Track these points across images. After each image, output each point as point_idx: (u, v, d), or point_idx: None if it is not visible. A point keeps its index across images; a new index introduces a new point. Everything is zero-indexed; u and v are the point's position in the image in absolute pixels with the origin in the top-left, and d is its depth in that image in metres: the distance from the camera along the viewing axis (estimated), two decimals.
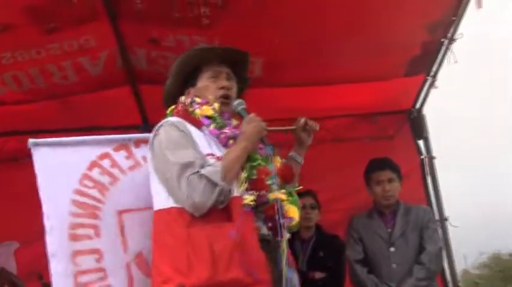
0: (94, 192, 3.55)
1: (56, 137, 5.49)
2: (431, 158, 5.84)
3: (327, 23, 4.40)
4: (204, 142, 3.09)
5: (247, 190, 2.97)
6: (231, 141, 3.09)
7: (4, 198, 5.46)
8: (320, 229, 5.20)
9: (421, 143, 5.97)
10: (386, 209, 4.89)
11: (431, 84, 5.46)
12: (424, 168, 5.90)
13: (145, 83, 5.17)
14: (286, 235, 2.97)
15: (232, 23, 4.40)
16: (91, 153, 3.57)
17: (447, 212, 5.63)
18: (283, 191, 3.08)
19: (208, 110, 3.20)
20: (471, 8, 4.36)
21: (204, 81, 3.31)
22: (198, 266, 2.81)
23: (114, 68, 4.97)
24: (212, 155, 3.01)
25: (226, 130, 3.14)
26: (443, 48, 4.86)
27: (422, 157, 5.94)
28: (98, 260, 3.48)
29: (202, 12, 4.26)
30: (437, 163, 5.87)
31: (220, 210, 2.92)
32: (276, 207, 2.96)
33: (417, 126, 5.94)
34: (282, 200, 3.02)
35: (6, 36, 4.33)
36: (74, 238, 3.48)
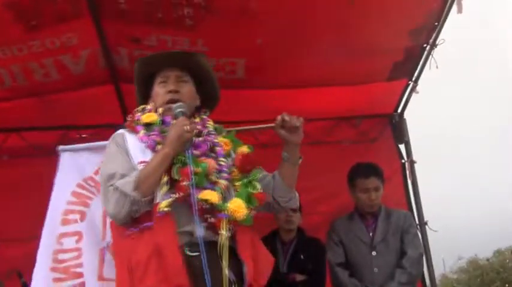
0: (93, 189, 4.36)
1: (36, 134, 5.58)
2: (412, 162, 5.87)
3: (310, 25, 4.42)
4: (138, 150, 3.09)
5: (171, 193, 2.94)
6: (158, 147, 3.06)
7: None
8: (302, 231, 5.20)
9: (402, 147, 6.00)
10: (368, 213, 4.91)
11: (413, 89, 5.49)
12: (405, 172, 5.93)
13: (127, 81, 5.14)
14: (223, 233, 2.90)
15: (215, 24, 4.40)
16: (99, 160, 3.92)
17: (426, 216, 5.65)
18: (222, 184, 3.04)
19: (149, 117, 3.20)
20: (452, 12, 4.40)
21: (155, 88, 3.31)
22: (120, 277, 2.95)
23: (97, 66, 4.94)
24: (145, 162, 3.02)
25: (153, 135, 3.12)
26: (425, 53, 4.89)
27: (403, 161, 5.97)
28: (77, 241, 4.20)
29: (186, 13, 4.26)
30: (417, 167, 5.90)
31: (147, 217, 2.92)
32: (194, 208, 2.87)
33: (399, 131, 5.97)
34: (207, 200, 2.93)
35: None
36: (64, 222, 4.26)
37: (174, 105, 3.15)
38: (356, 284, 4.71)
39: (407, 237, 4.82)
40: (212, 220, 2.92)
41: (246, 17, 4.33)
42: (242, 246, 2.98)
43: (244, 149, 3.27)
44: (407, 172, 5.89)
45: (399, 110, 5.95)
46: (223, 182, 3.05)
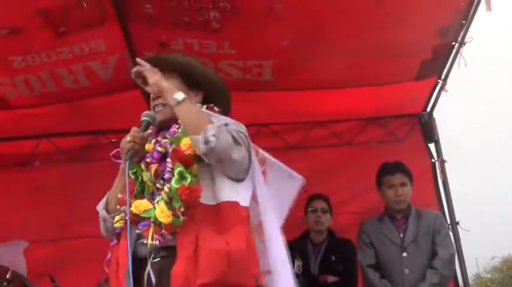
0: None
1: (66, 139, 5.65)
2: (442, 162, 5.82)
3: (337, 26, 4.39)
4: None
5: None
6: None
7: (12, 199, 5.51)
8: (332, 233, 5.19)
9: (432, 146, 5.95)
10: (397, 214, 4.88)
11: (442, 88, 5.44)
12: (435, 171, 5.88)
13: None
14: (149, 242, 2.85)
15: (241, 27, 4.40)
16: None
17: (458, 216, 5.60)
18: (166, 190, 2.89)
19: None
20: (481, 10, 4.36)
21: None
22: None
23: (124, 71, 4.97)
24: None
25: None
26: (454, 51, 4.84)
27: (433, 160, 5.92)
28: None
29: (212, 16, 4.26)
30: (448, 166, 5.84)
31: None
32: (127, 221, 2.84)
33: (428, 130, 5.92)
34: (132, 211, 2.88)
35: (17, 40, 4.35)
36: None
37: (144, 112, 3.08)
38: (387, 286, 4.68)
39: (438, 237, 4.78)
40: (138, 230, 2.88)
41: (272, 18, 4.32)
42: (180, 247, 2.80)
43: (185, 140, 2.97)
44: (438, 172, 5.84)
45: (428, 109, 5.91)
46: (166, 188, 2.89)
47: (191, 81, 3.14)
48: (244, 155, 2.87)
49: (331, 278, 4.89)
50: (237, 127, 2.92)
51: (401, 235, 4.81)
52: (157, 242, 2.82)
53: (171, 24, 4.39)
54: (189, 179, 2.80)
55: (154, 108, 3.11)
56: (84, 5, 4.06)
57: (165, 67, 3.13)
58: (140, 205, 2.89)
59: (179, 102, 2.86)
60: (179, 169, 2.83)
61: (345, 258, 5.00)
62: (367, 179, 5.15)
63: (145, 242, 2.85)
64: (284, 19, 4.33)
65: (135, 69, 3.05)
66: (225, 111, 3.19)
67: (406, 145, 5.99)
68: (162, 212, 2.82)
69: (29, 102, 5.14)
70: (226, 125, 2.87)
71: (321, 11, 4.25)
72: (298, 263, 4.93)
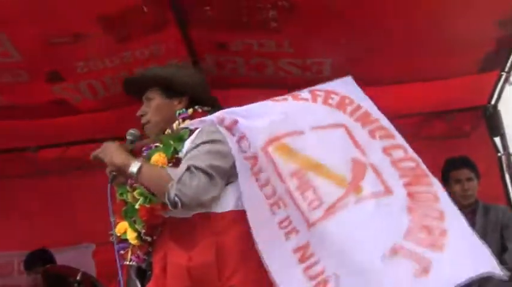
0: None
1: None
2: (508, 155, 5.69)
3: (397, 21, 4.34)
4: None
5: None
6: None
7: (80, 202, 5.64)
8: None
9: (497, 140, 5.83)
10: (465, 209, 4.80)
11: (506, 80, 5.31)
12: (502, 165, 5.76)
13: (215, 87, 5.21)
14: (127, 263, 2.98)
15: (300, 25, 4.39)
16: None
17: None
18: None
19: None
20: None
21: None
22: None
23: None
24: None
25: None
26: None
27: (499, 154, 5.79)
28: None
29: (271, 15, 4.26)
30: None
31: None
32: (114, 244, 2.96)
33: (493, 123, 5.80)
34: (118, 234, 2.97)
35: (80, 46, 4.46)
36: None
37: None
38: None
39: (507, 232, 4.69)
40: (122, 252, 2.98)
41: (331, 16, 4.29)
42: (153, 264, 2.94)
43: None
44: (504, 166, 5.72)
45: (493, 102, 5.78)
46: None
47: (172, 91, 3.13)
48: (220, 185, 2.81)
49: None
50: (211, 147, 2.82)
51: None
52: (134, 263, 2.95)
53: (230, 26, 4.42)
54: (148, 199, 2.84)
55: (143, 127, 3.15)
56: (145, 9, 4.11)
57: (144, 85, 3.17)
58: (121, 227, 2.97)
59: (137, 174, 2.82)
60: (139, 190, 2.87)
61: None
62: (433, 175, 5.07)
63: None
64: (343, 16, 4.30)
65: (92, 157, 3.01)
66: (214, 107, 3.15)
67: (471, 139, 5.89)
68: (130, 234, 2.92)
69: (93, 106, 5.25)
70: (197, 146, 2.83)
71: (380, 6, 4.21)
72: None
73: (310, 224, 2.52)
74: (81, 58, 4.64)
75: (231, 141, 2.75)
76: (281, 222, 2.57)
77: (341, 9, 4.22)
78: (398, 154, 2.82)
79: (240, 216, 2.77)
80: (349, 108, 2.96)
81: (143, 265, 3.04)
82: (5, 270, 6.35)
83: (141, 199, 2.85)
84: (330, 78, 4.96)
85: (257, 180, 2.68)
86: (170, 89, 3.11)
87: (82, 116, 5.42)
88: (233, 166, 2.78)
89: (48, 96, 5.15)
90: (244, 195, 2.73)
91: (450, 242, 2.47)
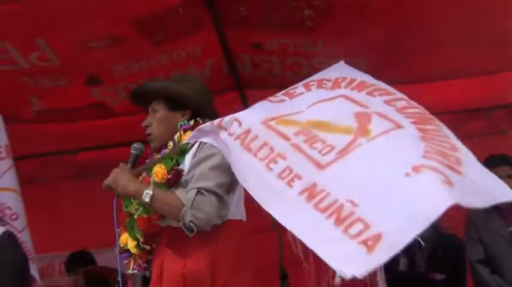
0: None
1: None
2: None
3: (434, 17, 4.29)
4: None
5: None
6: None
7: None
8: (437, 227, 5.07)
9: None
10: (504, 205, 4.74)
11: None
12: None
13: (251, 87, 5.24)
14: (129, 272, 3.07)
15: (335, 24, 4.38)
16: None
17: None
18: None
19: None
20: None
21: None
22: None
23: (221, 74, 5.05)
24: None
25: None
26: None
27: None
28: None
29: (306, 15, 4.26)
30: None
31: None
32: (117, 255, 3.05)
33: None
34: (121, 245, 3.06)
35: (118, 49, 4.51)
36: None
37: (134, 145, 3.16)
38: (499, 282, 4.54)
39: None
40: (125, 262, 3.06)
41: (366, 14, 4.27)
42: (152, 272, 3.00)
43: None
44: None
45: None
46: (127, 221, 3.05)
47: (176, 103, 3.16)
48: (227, 202, 2.91)
49: (439, 276, 4.78)
50: (212, 161, 2.87)
51: (510, 229, 4.66)
52: (135, 271, 3.04)
53: (265, 25, 4.42)
54: (146, 210, 2.91)
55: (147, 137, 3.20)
56: (180, 11, 4.14)
57: (150, 96, 3.22)
58: (123, 238, 3.05)
59: (150, 202, 2.85)
60: (138, 200, 2.93)
61: (452, 254, 4.88)
62: None
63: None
64: (378, 14, 4.27)
65: (104, 187, 3.03)
66: (214, 116, 3.12)
67: (509, 136, 5.80)
68: (130, 243, 3.00)
69: (130, 109, 5.29)
70: (199, 164, 2.88)
71: (418, 4, 4.17)
72: (403, 260, 4.86)
73: (322, 166, 2.50)
74: (118, 61, 4.69)
75: (222, 134, 2.84)
76: (281, 173, 2.54)
77: (377, 7, 4.20)
78: (401, 103, 2.81)
79: (235, 225, 2.93)
80: (343, 84, 3.00)
81: (147, 274, 3.10)
82: (46, 271, 6.44)
83: (140, 209, 2.94)
84: None
85: (250, 150, 2.70)
86: (174, 102, 3.16)
87: (119, 118, 5.46)
88: (234, 177, 2.84)
89: (86, 100, 5.22)
90: (237, 170, 2.77)
91: (467, 170, 2.44)
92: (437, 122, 2.73)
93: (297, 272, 5.56)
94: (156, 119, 3.17)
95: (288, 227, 2.37)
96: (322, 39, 4.55)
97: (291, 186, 2.48)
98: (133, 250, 3.01)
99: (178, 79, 3.37)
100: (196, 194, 2.79)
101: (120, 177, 2.97)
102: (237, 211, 2.96)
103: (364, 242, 2.13)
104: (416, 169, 2.30)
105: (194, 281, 2.82)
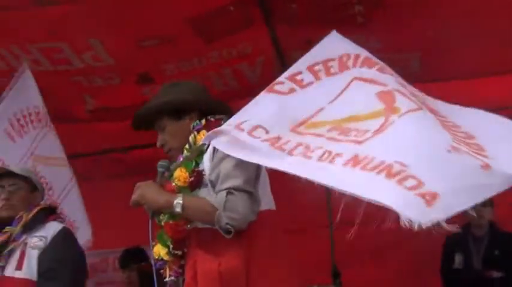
0: None
1: None
2: None
3: (488, 12, 4.22)
4: None
5: None
6: None
7: None
8: (494, 226, 5.01)
9: None
10: None
11: None
12: None
13: None
14: (167, 279, 3.04)
15: (387, 20, 4.34)
16: None
17: None
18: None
19: None
20: None
21: None
22: None
23: (272, 72, 5.04)
24: None
25: None
26: None
27: None
28: None
29: (357, 10, 4.23)
30: None
31: None
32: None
33: None
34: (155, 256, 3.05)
35: (169, 48, 4.55)
36: None
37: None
38: None
39: None
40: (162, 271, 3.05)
41: (418, 9, 4.23)
42: (186, 273, 2.98)
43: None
44: None
45: None
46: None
47: (178, 111, 3.11)
48: (258, 197, 2.84)
49: (496, 274, 4.71)
50: (233, 158, 2.77)
51: None
52: (172, 277, 3.01)
53: (317, 22, 4.39)
54: (172, 216, 2.88)
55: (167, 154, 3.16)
56: (232, 9, 4.16)
57: (150, 118, 3.15)
58: (156, 249, 3.03)
59: (181, 211, 2.83)
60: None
61: (509, 252, 4.81)
62: None
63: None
64: (430, 8, 4.22)
65: (132, 203, 3.01)
66: (226, 113, 3.08)
67: None
68: (161, 250, 2.99)
69: None
70: (220, 163, 2.82)
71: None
72: (459, 257, 4.80)
73: (360, 142, 2.45)
74: (170, 60, 4.72)
75: (240, 135, 2.71)
76: (321, 157, 2.47)
77: (428, 1, 4.15)
78: (410, 88, 2.76)
79: (262, 217, 2.84)
80: (350, 63, 2.92)
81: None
82: (100, 267, 6.55)
83: (167, 216, 2.91)
84: (418, 72, 4.93)
85: (283, 150, 2.60)
86: (176, 111, 3.11)
87: None
88: (256, 168, 2.82)
89: (138, 98, 5.26)
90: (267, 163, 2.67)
91: (492, 152, 2.39)
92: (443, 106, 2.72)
93: (349, 270, 5.62)
94: (167, 134, 3.11)
95: (339, 187, 2.25)
96: (374, 35, 4.50)
97: (333, 163, 2.41)
98: (166, 257, 2.99)
99: (166, 89, 3.26)
100: (226, 195, 2.75)
101: (147, 191, 2.94)
102: (262, 202, 2.88)
103: (422, 196, 2.06)
104: (455, 148, 2.27)
105: (231, 278, 2.78)
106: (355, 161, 2.35)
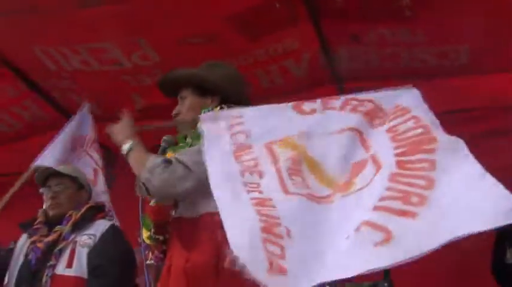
0: None
1: None
2: None
3: None
4: None
5: None
6: None
7: None
8: None
9: None
10: None
11: None
12: None
13: (349, 80, 5.18)
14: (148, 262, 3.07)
15: (435, 12, 4.27)
16: None
17: None
18: None
19: None
20: None
21: None
22: None
23: (318, 68, 5.02)
24: None
25: None
26: None
27: None
28: None
29: (405, 3, 4.17)
30: None
31: None
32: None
33: None
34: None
35: (213, 47, 4.56)
36: None
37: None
38: None
39: None
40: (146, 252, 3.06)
41: (467, 0, 4.15)
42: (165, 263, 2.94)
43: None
44: None
45: None
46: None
47: (205, 89, 3.13)
48: (197, 179, 2.68)
49: None
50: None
51: None
52: (152, 261, 3.05)
53: (363, 17, 4.37)
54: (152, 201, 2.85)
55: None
56: (277, 5, 4.15)
57: (178, 84, 3.20)
58: (144, 232, 3.04)
59: (125, 153, 2.88)
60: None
61: None
62: None
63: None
64: (480, 0, 4.14)
65: (108, 132, 3.06)
66: (245, 104, 3.01)
67: None
68: (144, 233, 3.00)
69: None
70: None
71: None
72: (511, 251, 4.70)
73: (287, 192, 2.35)
74: (215, 57, 4.71)
75: (224, 132, 2.62)
76: (249, 183, 2.38)
77: None
78: (408, 125, 2.50)
79: None
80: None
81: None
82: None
83: (153, 200, 2.87)
84: (467, 65, 4.84)
85: (236, 157, 2.50)
86: (202, 88, 3.13)
87: None
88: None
89: None
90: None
91: (428, 209, 2.17)
92: (438, 144, 2.39)
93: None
94: (185, 106, 3.14)
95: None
96: (422, 28, 4.45)
97: (248, 193, 2.33)
98: (147, 241, 3.02)
99: (209, 65, 3.30)
100: (162, 162, 2.72)
101: (121, 125, 3.00)
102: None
103: (271, 263, 2.03)
104: (357, 229, 2.15)
105: (197, 275, 2.71)
106: (261, 202, 2.29)
